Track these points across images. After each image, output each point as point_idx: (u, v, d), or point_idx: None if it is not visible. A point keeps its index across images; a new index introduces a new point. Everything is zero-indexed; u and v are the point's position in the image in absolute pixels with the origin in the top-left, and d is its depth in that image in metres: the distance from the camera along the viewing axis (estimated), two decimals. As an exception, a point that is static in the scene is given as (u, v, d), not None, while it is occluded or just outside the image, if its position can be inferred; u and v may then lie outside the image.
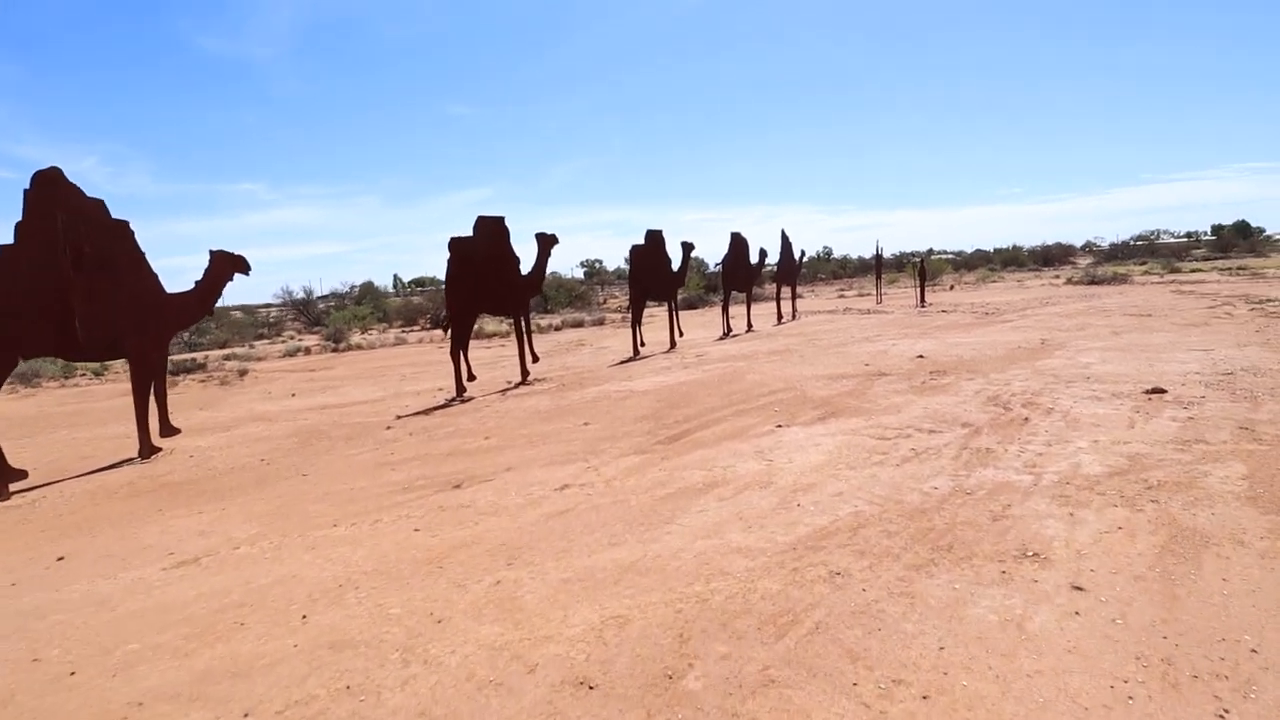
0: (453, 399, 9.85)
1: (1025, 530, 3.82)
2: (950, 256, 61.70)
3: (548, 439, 6.93)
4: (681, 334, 15.21)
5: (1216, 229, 65.08)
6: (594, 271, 58.42)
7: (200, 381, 14.48)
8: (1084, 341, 11.20)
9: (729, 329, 16.74)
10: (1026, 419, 6.29)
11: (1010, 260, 51.93)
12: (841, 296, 31.29)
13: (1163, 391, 6.98)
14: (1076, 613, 2.93)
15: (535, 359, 11.47)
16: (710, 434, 6.58)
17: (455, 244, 9.82)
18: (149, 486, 6.28)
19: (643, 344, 13.97)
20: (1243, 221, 63.77)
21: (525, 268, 11.13)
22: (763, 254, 18.56)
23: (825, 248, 65.78)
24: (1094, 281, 28.10)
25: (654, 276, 13.86)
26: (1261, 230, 62.35)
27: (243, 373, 15.20)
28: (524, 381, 10.89)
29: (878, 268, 27.10)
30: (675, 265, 14.78)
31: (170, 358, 19.38)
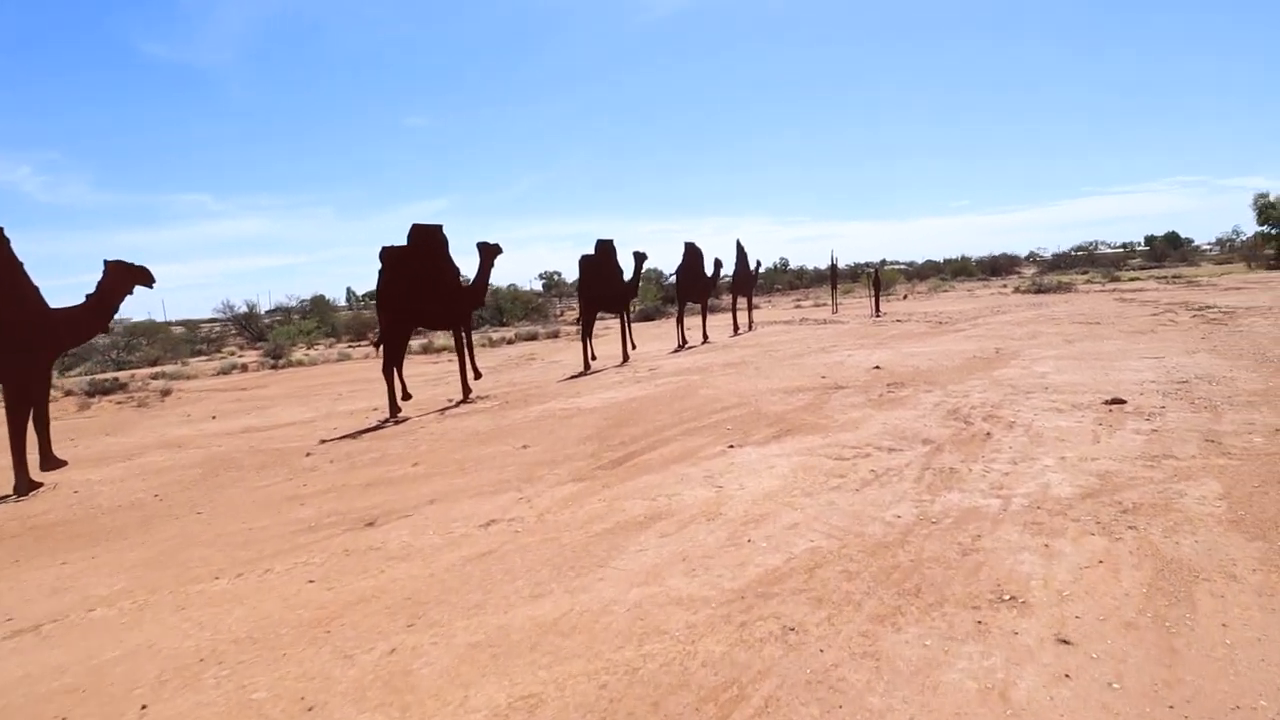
0: (385, 420, 9.16)
1: (999, 566, 3.41)
2: (903, 267, 62.95)
3: (481, 465, 6.33)
4: (634, 347, 14.74)
5: (1149, 240, 68.18)
6: (552, 284, 57.70)
7: (117, 403, 13.39)
8: (1038, 350, 11.10)
9: (684, 341, 16.35)
10: (989, 434, 5.96)
11: (960, 270, 53.12)
12: (798, 307, 31.32)
13: (1122, 402, 6.76)
14: (1066, 675, 2.51)
15: (478, 375, 10.91)
16: (657, 456, 6.08)
17: (387, 253, 9.22)
18: (15, 530, 5.47)
19: (594, 358, 13.45)
20: (1173, 233, 67.03)
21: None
22: (718, 264, 18.27)
23: (781, 258, 66.39)
24: (1041, 290, 28.73)
25: (605, 287, 13.37)
26: (1190, 241, 65.56)
27: (166, 393, 14.13)
28: (465, 399, 10.25)
29: (833, 278, 27.17)
30: (628, 276, 14.32)
31: (92, 376, 18.07)
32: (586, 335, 13.17)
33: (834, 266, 26.91)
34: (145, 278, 7.73)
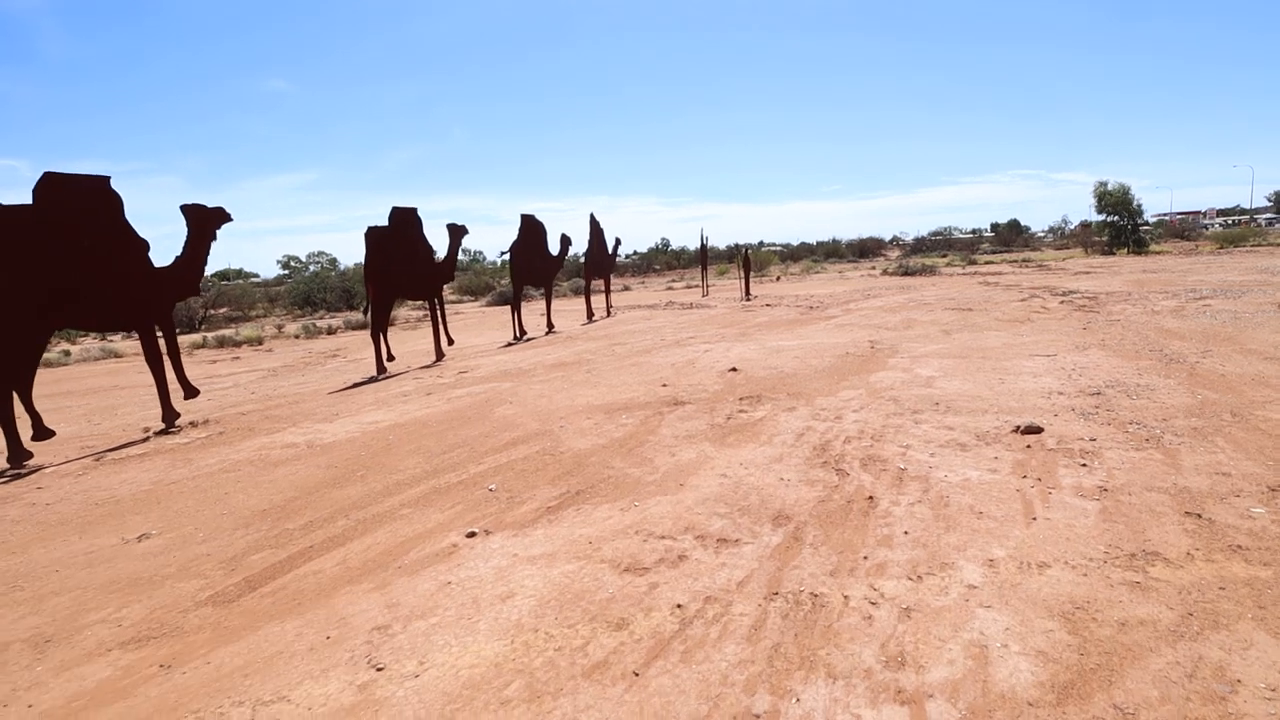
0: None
1: None
2: (778, 249, 63.44)
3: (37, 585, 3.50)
4: (451, 341, 11.93)
5: (994, 226, 73.27)
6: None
7: None
8: (916, 344, 9.49)
9: (521, 332, 13.73)
10: (871, 498, 3.87)
11: (831, 252, 53.91)
12: (670, 289, 29.47)
13: (1038, 430, 4.95)
14: None
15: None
16: (338, 564, 3.52)
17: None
18: None
19: (390, 358, 10.57)
20: (1015, 220, 72.32)
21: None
22: (565, 241, 15.71)
23: (663, 239, 64.88)
24: (907, 273, 28.53)
25: (405, 269, 10.48)
26: (1029, 228, 70.80)
27: None
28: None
29: (703, 259, 25.34)
30: (441, 254, 11.51)
31: None
32: (379, 330, 10.24)
33: (704, 246, 25.09)
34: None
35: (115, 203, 6.73)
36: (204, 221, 7.59)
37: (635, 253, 61.23)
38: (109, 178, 6.71)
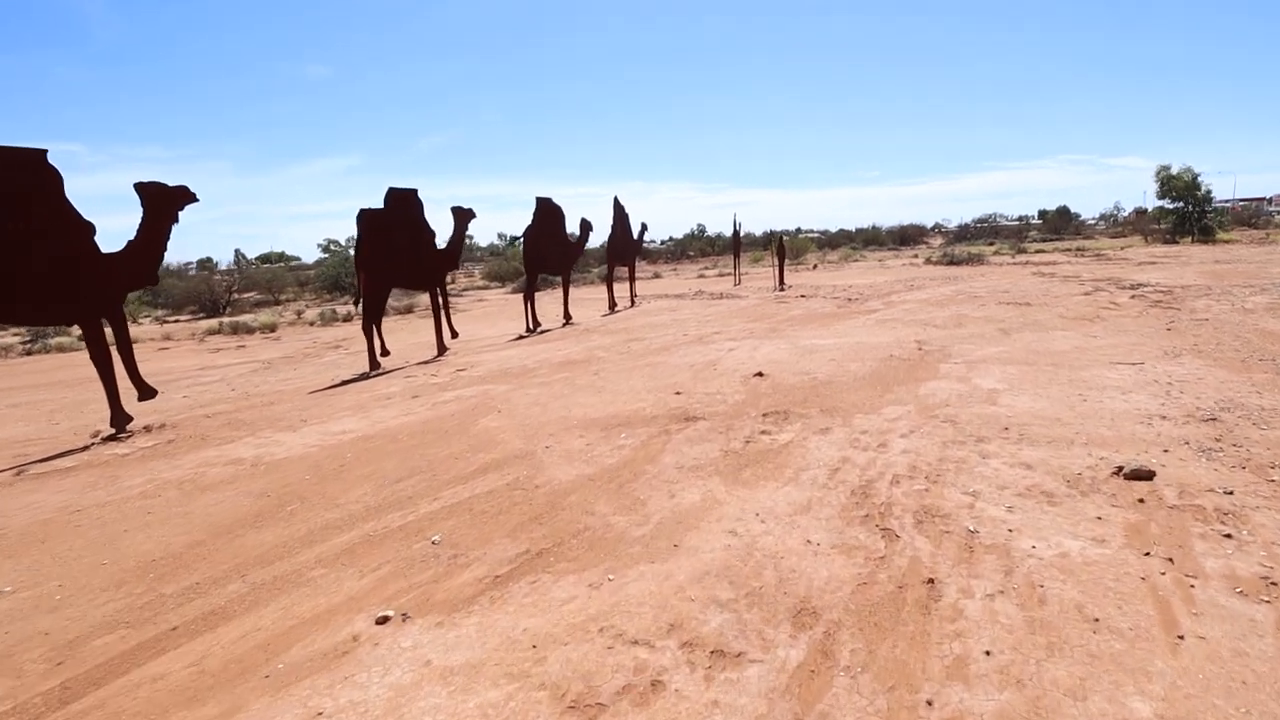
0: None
1: None
2: (816, 235, 61.42)
3: None
4: (455, 334, 11.03)
5: (1042, 213, 69.92)
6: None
7: None
8: (971, 346, 8.26)
9: (535, 323, 12.79)
10: (932, 582, 2.80)
11: (871, 240, 51.83)
12: (701, 276, 28.30)
13: (1149, 476, 3.79)
14: None
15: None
16: (178, 672, 2.58)
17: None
18: None
19: (385, 353, 9.72)
20: (1064, 207, 68.76)
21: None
22: (585, 227, 14.68)
23: (699, 225, 63.29)
24: (953, 262, 26.80)
25: (403, 256, 9.60)
26: (1078, 215, 67.30)
27: None
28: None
29: (735, 246, 24.07)
30: (444, 240, 10.60)
31: None
32: (371, 323, 9.38)
33: (736, 233, 23.81)
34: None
35: (53, 180, 5.93)
36: (162, 201, 6.74)
37: (671, 238, 60.09)
38: (45, 151, 5.90)
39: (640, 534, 3.45)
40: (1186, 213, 33.31)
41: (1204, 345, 7.63)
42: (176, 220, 6.90)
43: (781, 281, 19.97)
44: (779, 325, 11.32)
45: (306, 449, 5.51)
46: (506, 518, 3.77)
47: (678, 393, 6.61)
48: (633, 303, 16.93)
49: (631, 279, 17.68)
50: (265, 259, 58.19)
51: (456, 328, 11.49)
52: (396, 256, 9.53)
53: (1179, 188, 32.79)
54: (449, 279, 11.80)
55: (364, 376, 8.92)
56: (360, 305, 9.44)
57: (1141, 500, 3.49)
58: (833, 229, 66.27)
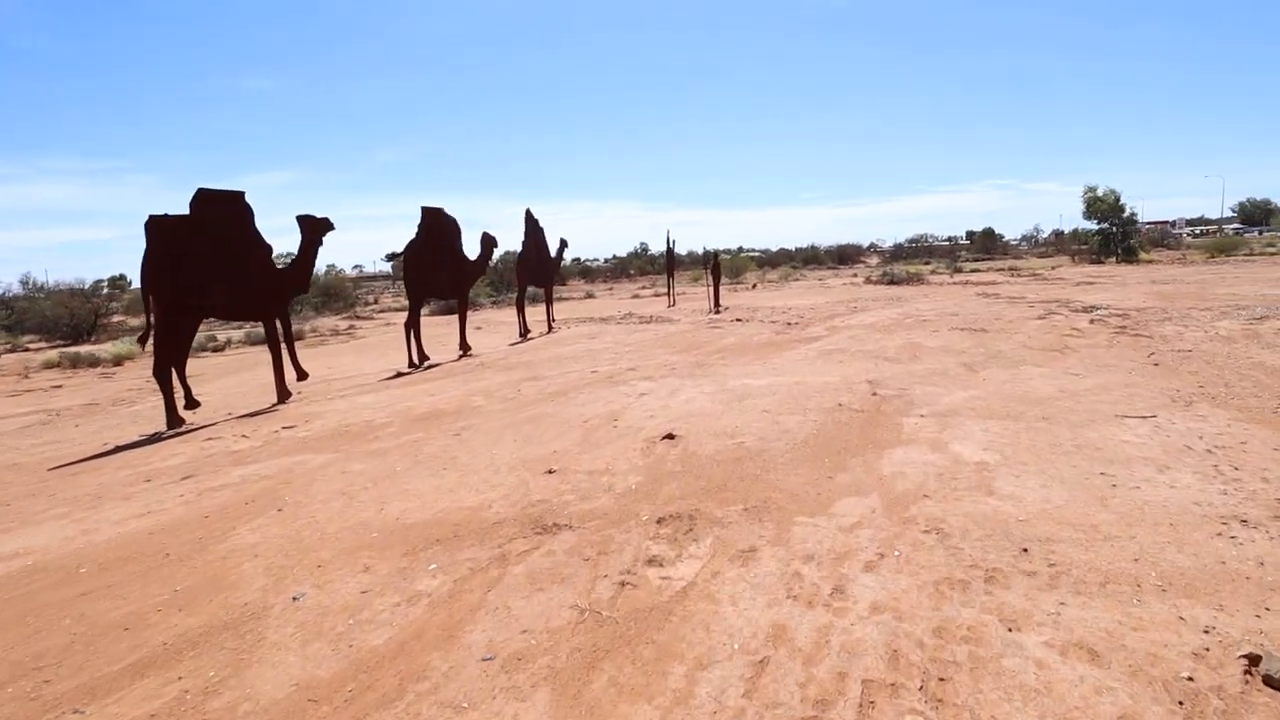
0: None
1: None
2: (758, 254, 60.93)
3: None
4: (303, 375, 8.73)
5: (970, 234, 71.69)
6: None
7: None
8: (935, 388, 6.66)
9: (421, 356, 10.66)
10: None
11: (810, 259, 51.56)
12: (636, 297, 26.59)
13: (1254, 662, 2.08)
14: None
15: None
16: None
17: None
18: None
19: (192, 404, 7.46)
20: (990, 229, 70.70)
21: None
22: (486, 242, 12.64)
23: (641, 243, 62.00)
24: (893, 281, 25.88)
25: (226, 276, 7.39)
26: (1003, 236, 69.19)
27: None
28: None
29: (669, 265, 22.45)
30: (286, 260, 8.45)
31: None
32: (165, 369, 7.09)
33: (670, 251, 22.23)
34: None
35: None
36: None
37: (615, 256, 59.46)
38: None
39: None
40: (1111, 233, 33.65)
41: (1210, 388, 6.23)
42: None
43: (717, 303, 18.39)
44: (707, 358, 9.57)
45: (-86, 597, 3.33)
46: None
47: (550, 471, 4.70)
48: (549, 328, 14.96)
49: (549, 301, 15.71)
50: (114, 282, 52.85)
51: (338, 360, 9.35)
52: (208, 277, 7.29)
53: (1103, 209, 33.10)
54: (293, 304, 9.21)
55: (153, 439, 6.68)
56: (150, 343, 7.13)
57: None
58: (774, 248, 66.06)
